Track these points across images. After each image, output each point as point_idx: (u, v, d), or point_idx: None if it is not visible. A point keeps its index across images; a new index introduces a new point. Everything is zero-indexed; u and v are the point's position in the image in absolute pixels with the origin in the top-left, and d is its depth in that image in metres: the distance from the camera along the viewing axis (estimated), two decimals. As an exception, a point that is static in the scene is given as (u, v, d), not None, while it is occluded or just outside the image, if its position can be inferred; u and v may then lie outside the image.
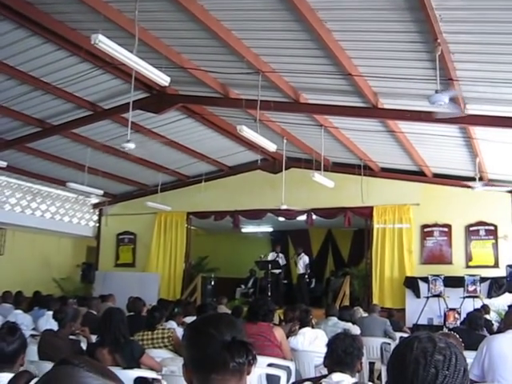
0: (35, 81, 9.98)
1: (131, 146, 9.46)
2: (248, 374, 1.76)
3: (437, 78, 7.02)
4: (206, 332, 1.75)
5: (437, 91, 6.87)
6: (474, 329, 7.13)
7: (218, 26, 7.58)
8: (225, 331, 1.74)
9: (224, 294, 14.04)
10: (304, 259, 16.57)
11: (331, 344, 3.71)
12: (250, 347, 1.73)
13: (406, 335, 10.38)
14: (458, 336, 3.50)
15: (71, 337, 5.85)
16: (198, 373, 1.73)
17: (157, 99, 11.08)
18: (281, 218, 16.14)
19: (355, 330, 9.02)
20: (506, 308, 9.87)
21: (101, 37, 5.89)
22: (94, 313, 9.20)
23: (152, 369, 5.30)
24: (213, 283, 17.41)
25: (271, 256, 16.92)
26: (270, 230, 19.97)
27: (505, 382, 4.71)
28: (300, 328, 7.07)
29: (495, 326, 9.98)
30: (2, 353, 3.25)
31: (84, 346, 5.82)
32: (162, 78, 7.01)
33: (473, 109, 8.99)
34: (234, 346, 1.71)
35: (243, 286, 18.32)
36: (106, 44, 5.98)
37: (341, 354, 3.57)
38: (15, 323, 3.49)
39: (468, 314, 8.12)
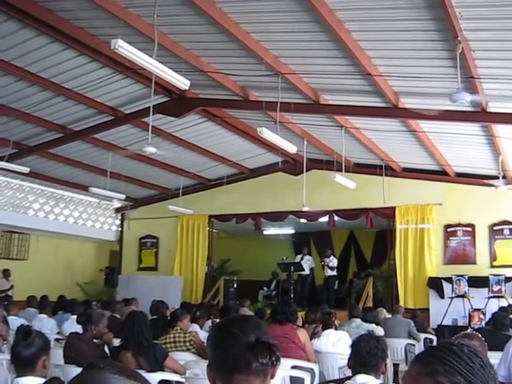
0: (56, 87, 10.08)
1: (152, 150, 9.50)
2: (272, 377, 1.76)
3: (458, 76, 6.95)
4: (230, 332, 1.76)
5: (458, 89, 6.80)
6: (500, 329, 7.04)
7: (237, 29, 7.59)
8: (249, 332, 1.74)
9: (247, 296, 14.01)
10: (333, 261, 16.39)
11: (355, 345, 3.68)
12: (274, 348, 1.73)
13: (430, 336, 10.35)
14: (481, 336, 3.45)
15: (95, 340, 5.87)
16: (221, 373, 1.73)
17: (177, 103, 11.12)
18: (302, 220, 16.11)
19: (379, 331, 8.97)
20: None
21: (120, 42, 5.93)
22: (118, 316, 9.24)
23: (176, 372, 5.31)
24: (235, 286, 17.41)
25: (298, 259, 16.83)
26: (292, 231, 19.93)
27: (532, 382, 4.65)
28: (323, 330, 7.04)
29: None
30: (20, 357, 3.27)
31: (107, 349, 5.84)
32: (181, 82, 7.03)
33: (495, 106, 8.91)
34: (258, 346, 1.71)
35: (266, 289, 18.30)
36: (125, 49, 6.01)
37: (365, 355, 3.54)
38: (29, 326, 3.52)
39: (493, 314, 8.03)
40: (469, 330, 10.11)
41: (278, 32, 7.77)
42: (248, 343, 1.71)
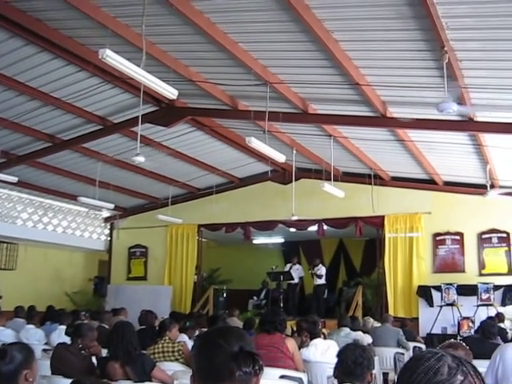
0: (45, 96, 10.06)
1: (141, 159, 9.50)
2: None
3: (445, 85, 7.00)
4: (214, 342, 1.77)
5: (445, 99, 6.85)
6: (488, 337, 7.07)
7: (225, 39, 7.61)
8: (233, 342, 1.75)
9: (236, 305, 14.01)
10: (321, 270, 16.44)
11: (341, 355, 3.69)
12: (257, 357, 1.74)
13: (419, 345, 10.37)
14: (465, 345, 3.46)
15: (83, 351, 5.83)
16: (205, 383, 1.74)
17: (166, 112, 11.12)
18: (292, 229, 16.14)
19: (367, 339, 9.00)
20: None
21: (108, 51, 5.92)
22: (106, 327, 9.18)
23: (163, 382, 5.29)
24: (225, 295, 17.41)
25: (287, 267, 16.85)
26: (282, 241, 19.93)
27: (519, 390, 4.67)
28: (310, 339, 7.03)
29: (510, 334, 9.88)
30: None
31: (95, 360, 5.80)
32: (169, 92, 7.03)
33: (482, 116, 8.97)
34: (241, 355, 1.72)
35: (255, 298, 18.27)
36: (113, 58, 6.01)
37: (351, 364, 3.55)
38: (5, 345, 3.47)
39: (481, 323, 8.04)
40: (458, 338, 10.14)
41: (267, 42, 7.80)
42: (232, 353, 1.72)
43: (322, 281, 16.43)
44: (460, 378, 1.34)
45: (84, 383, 0.99)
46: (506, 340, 7.82)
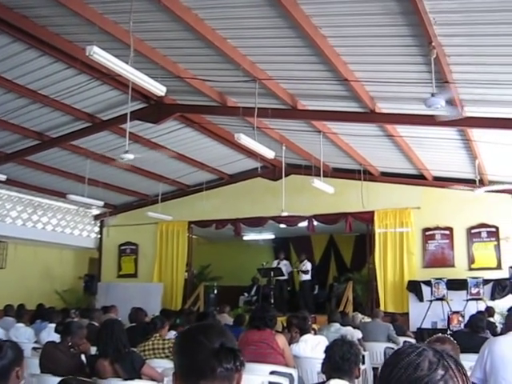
0: (33, 94, 10.02)
1: (130, 156, 9.47)
2: (238, 383, 1.76)
3: (432, 81, 7.02)
4: (196, 339, 1.77)
5: (433, 94, 6.86)
6: (476, 331, 7.11)
7: (213, 35, 7.59)
8: (215, 339, 1.75)
9: (227, 302, 14.03)
10: (307, 266, 16.55)
11: (329, 350, 3.70)
12: (238, 353, 1.74)
13: (409, 339, 10.40)
14: (454, 339, 3.48)
15: (72, 349, 5.82)
16: (186, 380, 1.74)
17: (154, 109, 11.09)
18: (282, 225, 16.14)
19: (357, 334, 9.02)
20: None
21: (96, 48, 5.90)
22: (96, 324, 9.16)
23: (153, 379, 5.29)
24: (216, 292, 17.40)
25: (275, 263, 16.91)
26: (272, 237, 19.92)
27: (507, 383, 4.69)
28: (300, 335, 7.04)
29: (499, 328, 9.94)
30: None
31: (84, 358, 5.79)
32: (158, 88, 7.02)
33: (470, 111, 8.99)
34: (222, 351, 1.72)
35: (246, 294, 18.28)
36: (100, 55, 5.99)
37: (338, 360, 3.56)
38: (1, 340, 3.46)
39: (470, 317, 8.10)
40: (448, 333, 10.18)
41: (255, 38, 7.79)
42: (213, 349, 1.72)
43: (308, 277, 16.51)
44: (441, 372, 1.34)
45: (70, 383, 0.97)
46: (495, 334, 7.85)
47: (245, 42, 7.93)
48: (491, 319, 10.43)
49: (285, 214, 13.32)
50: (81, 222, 18.03)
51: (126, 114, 9.57)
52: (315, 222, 15.46)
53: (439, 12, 6.15)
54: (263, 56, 8.39)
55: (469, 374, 4.11)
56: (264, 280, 17.12)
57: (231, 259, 19.49)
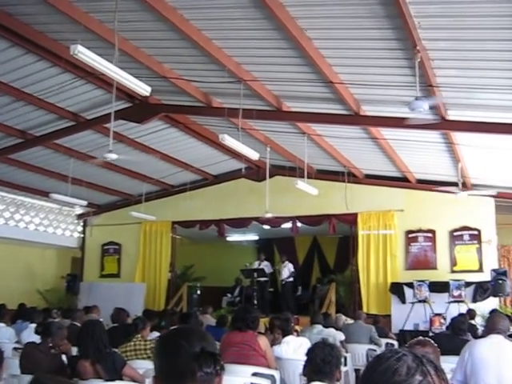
0: (16, 92, 9.94)
1: (113, 156, 9.42)
2: None
3: (416, 84, 7.06)
4: (176, 343, 1.77)
5: (417, 98, 6.90)
6: (458, 334, 7.15)
7: (199, 36, 7.59)
8: (195, 343, 1.75)
9: (210, 303, 14.00)
10: (289, 267, 16.60)
11: (310, 353, 3.71)
12: (219, 358, 1.75)
13: (392, 341, 10.46)
14: (434, 342, 3.50)
15: (53, 350, 5.78)
16: (167, 383, 1.73)
17: (139, 109, 11.05)
18: (266, 226, 16.15)
19: (339, 336, 9.04)
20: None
21: (80, 47, 5.86)
22: (78, 325, 9.09)
23: (134, 380, 5.26)
24: (199, 292, 17.38)
25: (256, 265, 16.93)
26: (256, 238, 19.93)
27: (487, 386, 4.73)
28: (283, 336, 7.05)
29: (480, 330, 10.00)
30: None
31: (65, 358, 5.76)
32: (142, 88, 6.99)
33: (454, 115, 9.06)
34: (203, 356, 1.72)
35: (229, 295, 18.25)
36: (85, 54, 5.95)
37: (319, 362, 3.57)
38: None
39: (452, 320, 8.16)
40: (430, 335, 10.24)
41: (240, 39, 7.80)
42: (193, 353, 1.72)
43: (290, 279, 16.56)
44: (418, 378, 1.34)
45: (43, 381, 0.96)
46: (476, 336, 7.91)
47: (230, 42, 7.93)
48: (472, 322, 10.50)
49: (269, 215, 13.33)
50: (64, 221, 17.93)
51: (110, 114, 9.54)
52: (299, 224, 15.48)
53: (424, 16, 6.19)
54: (248, 57, 8.40)
55: (450, 376, 4.15)
56: (247, 281, 17.13)
57: (215, 260, 19.46)
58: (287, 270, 16.61)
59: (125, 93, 10.22)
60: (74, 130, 11.72)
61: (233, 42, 7.92)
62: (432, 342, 3.49)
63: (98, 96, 10.54)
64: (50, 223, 17.38)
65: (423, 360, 1.40)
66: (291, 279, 16.71)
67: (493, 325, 5.19)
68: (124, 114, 10.90)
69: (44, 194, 15.13)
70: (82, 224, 18.37)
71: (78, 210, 17.70)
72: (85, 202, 14.69)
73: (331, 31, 7.13)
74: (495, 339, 5.01)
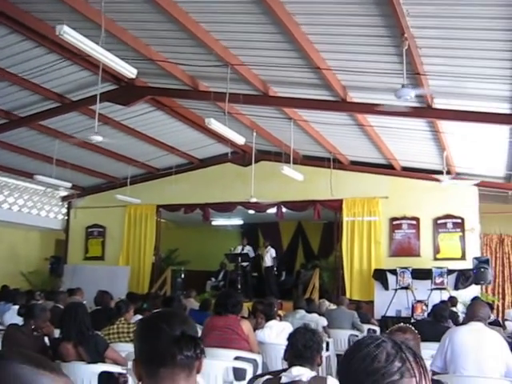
0: (1, 72, 9.82)
1: (99, 138, 9.38)
2: (198, 371, 1.77)
3: (404, 72, 7.06)
4: (157, 326, 1.77)
5: (403, 85, 6.91)
6: (439, 321, 7.22)
7: (186, 18, 7.53)
8: (176, 326, 1.76)
9: (194, 286, 14.00)
10: (271, 252, 16.67)
11: (291, 338, 3.74)
12: (199, 341, 1.75)
13: (374, 327, 10.54)
14: (415, 328, 3.53)
15: (35, 332, 5.78)
16: (147, 367, 1.74)
17: (125, 91, 10.98)
18: (251, 211, 16.16)
19: (322, 321, 9.10)
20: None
21: (66, 28, 5.81)
22: (61, 307, 9.09)
23: (117, 363, 5.27)
24: (183, 276, 17.37)
25: (239, 249, 16.97)
26: (241, 222, 19.96)
27: (466, 372, 4.79)
28: (266, 321, 7.08)
29: (461, 317, 10.10)
30: None
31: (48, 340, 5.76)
32: (128, 70, 6.95)
33: (440, 103, 9.09)
34: (183, 339, 1.72)
35: (213, 279, 18.28)
36: (71, 35, 5.90)
37: (300, 348, 3.60)
38: None
39: (433, 307, 8.23)
40: (411, 321, 10.33)
41: (228, 23, 7.75)
42: (174, 337, 1.72)
43: (271, 263, 16.63)
44: (397, 364, 1.35)
45: (4, 356, 0.94)
46: (457, 323, 7.99)
47: (218, 26, 7.88)
48: (454, 309, 10.59)
49: (254, 200, 13.33)
50: (48, 203, 17.83)
51: (95, 96, 9.47)
52: (284, 209, 15.52)
53: (412, 4, 6.19)
54: (236, 41, 8.36)
55: (429, 362, 4.18)
56: (232, 265, 17.17)
57: (199, 244, 19.46)
58: (269, 255, 16.69)
59: (111, 75, 10.14)
60: (60, 111, 11.61)
61: (220, 26, 7.87)
62: (412, 328, 3.51)
63: (83, 77, 10.44)
64: (34, 205, 17.28)
65: (402, 346, 1.41)
66: (274, 264, 16.77)
67: (473, 312, 5.24)
68: (110, 96, 10.83)
69: (28, 176, 15.03)
70: (66, 206, 18.27)
71: (63, 192, 17.57)
72: (69, 184, 14.62)
73: (320, 17, 7.10)
74: (475, 326, 5.06)
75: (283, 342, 3.87)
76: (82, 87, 10.82)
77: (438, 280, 13.20)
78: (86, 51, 6.39)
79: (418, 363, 1.38)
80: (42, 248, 18.47)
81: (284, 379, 3.40)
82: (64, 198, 18.07)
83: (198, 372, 1.77)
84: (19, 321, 6.19)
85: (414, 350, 1.45)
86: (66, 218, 18.19)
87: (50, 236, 18.59)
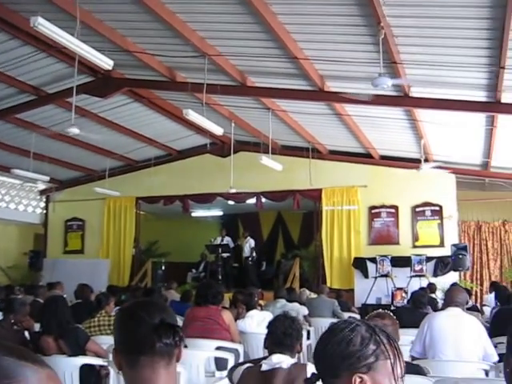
0: (-25, 65, 9.72)
1: (75, 130, 9.30)
2: (178, 359, 1.78)
3: (380, 61, 7.09)
4: (136, 315, 1.78)
5: (380, 74, 6.95)
6: (418, 307, 7.30)
7: (162, 9, 7.50)
8: (155, 315, 1.77)
9: (175, 278, 14.00)
10: (250, 242, 16.71)
11: (271, 326, 3.76)
12: (178, 329, 1.76)
13: (354, 315, 10.61)
14: (394, 315, 3.57)
15: (15, 326, 5.75)
16: (127, 356, 1.75)
17: (102, 83, 10.90)
18: (230, 202, 16.17)
19: (303, 310, 9.15)
20: (450, 286, 10.10)
21: (40, 19, 5.75)
22: (41, 301, 9.04)
23: (98, 355, 5.27)
24: (163, 268, 17.36)
25: (219, 240, 16.99)
26: (221, 213, 19.97)
27: (445, 357, 4.85)
28: (247, 311, 7.11)
29: (440, 303, 10.21)
30: None
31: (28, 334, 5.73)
32: (104, 62, 6.90)
33: (417, 91, 9.15)
34: (162, 327, 1.73)
35: (194, 271, 18.28)
36: (46, 27, 5.85)
37: (280, 335, 3.62)
38: None
39: (412, 293, 8.31)
40: (391, 308, 10.42)
41: (204, 13, 7.72)
42: (153, 325, 1.73)
43: (252, 254, 16.70)
44: (372, 347, 1.38)
45: None
46: (436, 310, 8.08)
47: (194, 16, 7.85)
48: (433, 295, 10.71)
49: (233, 190, 13.34)
50: (26, 197, 17.68)
51: (72, 88, 9.40)
52: (263, 199, 15.54)
53: (388, -8, 6.21)
54: (213, 32, 8.33)
55: (409, 348, 4.24)
56: (212, 256, 17.19)
57: (179, 235, 19.44)
58: (248, 245, 16.74)
59: (87, 67, 10.06)
60: (36, 104, 11.52)
61: (197, 16, 7.84)
62: (391, 314, 3.56)
63: (59, 70, 10.35)
64: (11, 199, 17.13)
65: (376, 329, 1.43)
66: (253, 254, 16.82)
67: (451, 298, 5.31)
68: (86, 89, 10.75)
69: (5, 170, 14.88)
70: (44, 200, 18.14)
71: (41, 186, 17.40)
72: (47, 178, 14.49)
73: (296, 6, 7.11)
74: (453, 312, 5.13)
75: (264, 332, 3.89)
76: (58, 79, 10.73)
77: (417, 267, 13.32)
78: (61, 43, 6.33)
79: (392, 345, 1.41)
80: (20, 242, 18.32)
81: (264, 367, 3.43)
82: (42, 192, 17.92)
83: (178, 360, 1.78)
84: (-2, 316, 6.17)
85: (390, 334, 1.47)
86: (45, 211, 18.07)
87: (28, 230, 18.45)
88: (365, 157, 14.47)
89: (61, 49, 8.72)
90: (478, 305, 12.92)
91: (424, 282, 12.56)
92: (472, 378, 4.48)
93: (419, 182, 13.75)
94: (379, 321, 3.27)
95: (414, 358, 4.86)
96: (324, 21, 7.34)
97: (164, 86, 10.85)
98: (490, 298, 12.13)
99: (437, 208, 14.17)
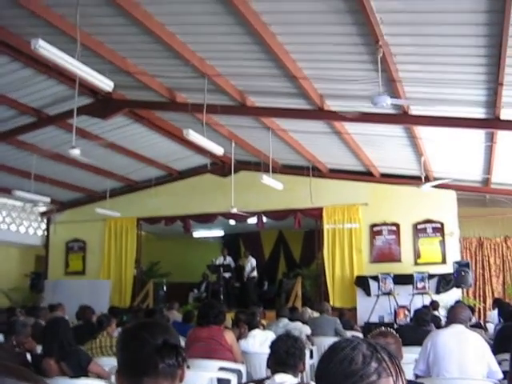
0: (-24, 88, 9.77)
1: (76, 152, 9.32)
2: (181, 380, 1.77)
3: (379, 79, 7.13)
4: (139, 336, 1.77)
5: (379, 93, 6.98)
6: (421, 325, 7.27)
7: (162, 30, 7.54)
8: (158, 336, 1.76)
9: (177, 298, 13.95)
10: (251, 262, 16.68)
11: (274, 345, 3.75)
12: (181, 350, 1.75)
13: (357, 334, 10.55)
14: (397, 333, 3.56)
15: (17, 349, 5.72)
16: (130, 377, 1.74)
17: (103, 104, 10.95)
18: (232, 222, 16.17)
19: (306, 329, 9.11)
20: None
21: (41, 42, 5.78)
22: (43, 323, 9.00)
23: (100, 377, 5.24)
24: (165, 288, 17.30)
25: (221, 260, 16.96)
26: (222, 233, 19.95)
27: (449, 375, 4.82)
28: (249, 330, 7.08)
29: (443, 321, 10.16)
30: None
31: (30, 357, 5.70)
32: (105, 83, 6.92)
33: (416, 109, 9.19)
34: (165, 348, 1.72)
35: (196, 291, 18.22)
36: (46, 49, 5.87)
37: (283, 354, 3.61)
38: None
39: (415, 311, 8.28)
40: (394, 327, 10.37)
41: (204, 34, 7.77)
42: (156, 345, 1.73)
43: (253, 273, 16.65)
44: (374, 365, 1.38)
45: None
46: (439, 327, 8.04)
47: (193, 37, 7.89)
48: (436, 313, 10.66)
49: (234, 210, 13.34)
50: (27, 218, 17.68)
51: (73, 109, 9.43)
52: (264, 219, 15.55)
53: (386, 11, 6.24)
54: (212, 52, 8.38)
55: (412, 366, 4.21)
56: (214, 276, 17.14)
57: (181, 256, 19.41)
58: (250, 265, 16.70)
59: (88, 88, 10.09)
60: (37, 126, 11.56)
61: (196, 37, 7.88)
62: (394, 332, 3.55)
63: (60, 91, 10.40)
64: (12, 221, 17.12)
65: (377, 347, 1.43)
66: (254, 274, 16.79)
67: (454, 315, 5.29)
68: (87, 110, 10.80)
69: (6, 191, 14.88)
70: (45, 221, 18.13)
71: (42, 207, 17.43)
72: (48, 199, 14.50)
73: (295, 26, 7.16)
74: (457, 329, 5.11)
75: (267, 351, 3.87)
76: (59, 101, 10.77)
77: (420, 285, 13.29)
78: (62, 65, 6.36)
79: (394, 362, 1.40)
80: (21, 264, 18.27)
81: (267, 387, 3.41)
82: (43, 214, 17.93)
83: (181, 381, 1.78)
84: (0, 338, 6.14)
85: (394, 352, 1.47)
86: (46, 233, 18.05)
87: (29, 252, 18.42)
88: (365, 175, 14.49)
89: (61, 71, 8.76)
90: (482, 322, 12.86)
91: (426, 300, 12.53)
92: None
93: (420, 199, 13.76)
94: (382, 339, 3.26)
95: (417, 377, 4.83)
96: (322, 40, 7.39)
97: (164, 107, 10.90)
98: (494, 314, 12.06)
99: (438, 225, 14.16)
